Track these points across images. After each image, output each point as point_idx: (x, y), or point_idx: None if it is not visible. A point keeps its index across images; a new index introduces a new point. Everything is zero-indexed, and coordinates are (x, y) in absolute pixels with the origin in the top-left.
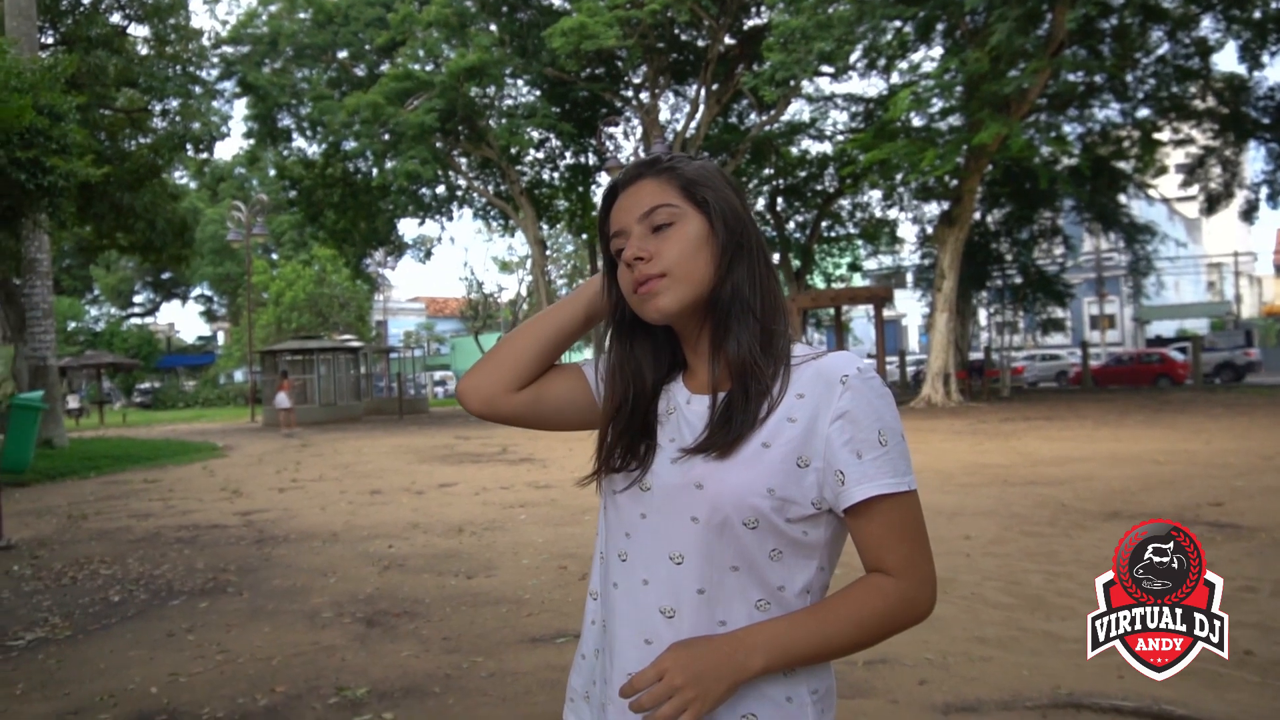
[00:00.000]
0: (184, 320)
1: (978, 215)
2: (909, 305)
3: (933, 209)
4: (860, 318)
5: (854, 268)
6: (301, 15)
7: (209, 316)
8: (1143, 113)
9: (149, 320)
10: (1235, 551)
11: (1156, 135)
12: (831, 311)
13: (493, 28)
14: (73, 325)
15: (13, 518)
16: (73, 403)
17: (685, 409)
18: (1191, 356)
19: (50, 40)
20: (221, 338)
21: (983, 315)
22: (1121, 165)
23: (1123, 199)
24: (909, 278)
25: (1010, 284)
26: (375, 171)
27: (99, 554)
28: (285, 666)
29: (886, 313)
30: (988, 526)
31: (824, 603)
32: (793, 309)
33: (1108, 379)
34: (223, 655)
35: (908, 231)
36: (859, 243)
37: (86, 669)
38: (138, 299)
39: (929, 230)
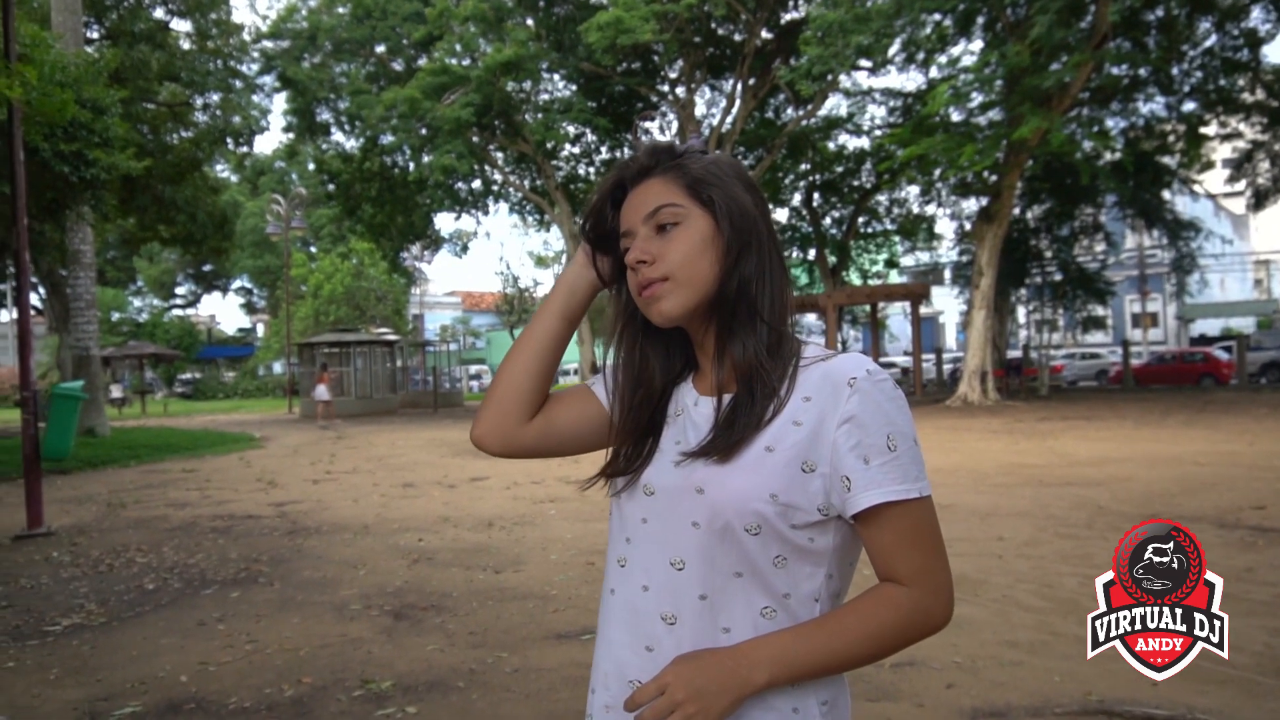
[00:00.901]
0: (224, 312)
1: (1017, 211)
2: (946, 302)
3: (971, 205)
4: (897, 315)
5: (891, 264)
6: (340, 10)
7: (249, 309)
8: (1189, 106)
9: (190, 312)
10: (1277, 557)
11: (1203, 129)
12: (868, 308)
13: (529, 22)
14: (117, 316)
15: (54, 505)
16: (116, 392)
17: (692, 411)
18: (1236, 356)
19: (95, 35)
20: (261, 330)
21: (1021, 313)
22: (1166, 160)
23: (1167, 195)
24: (946, 274)
25: (1050, 281)
26: (412, 166)
27: (136, 542)
28: (312, 658)
29: (923, 310)
30: (1022, 528)
31: (832, 614)
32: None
33: (1149, 378)
34: (251, 645)
35: (945, 228)
36: (896, 239)
37: (119, 656)
38: (179, 291)
39: (967, 226)
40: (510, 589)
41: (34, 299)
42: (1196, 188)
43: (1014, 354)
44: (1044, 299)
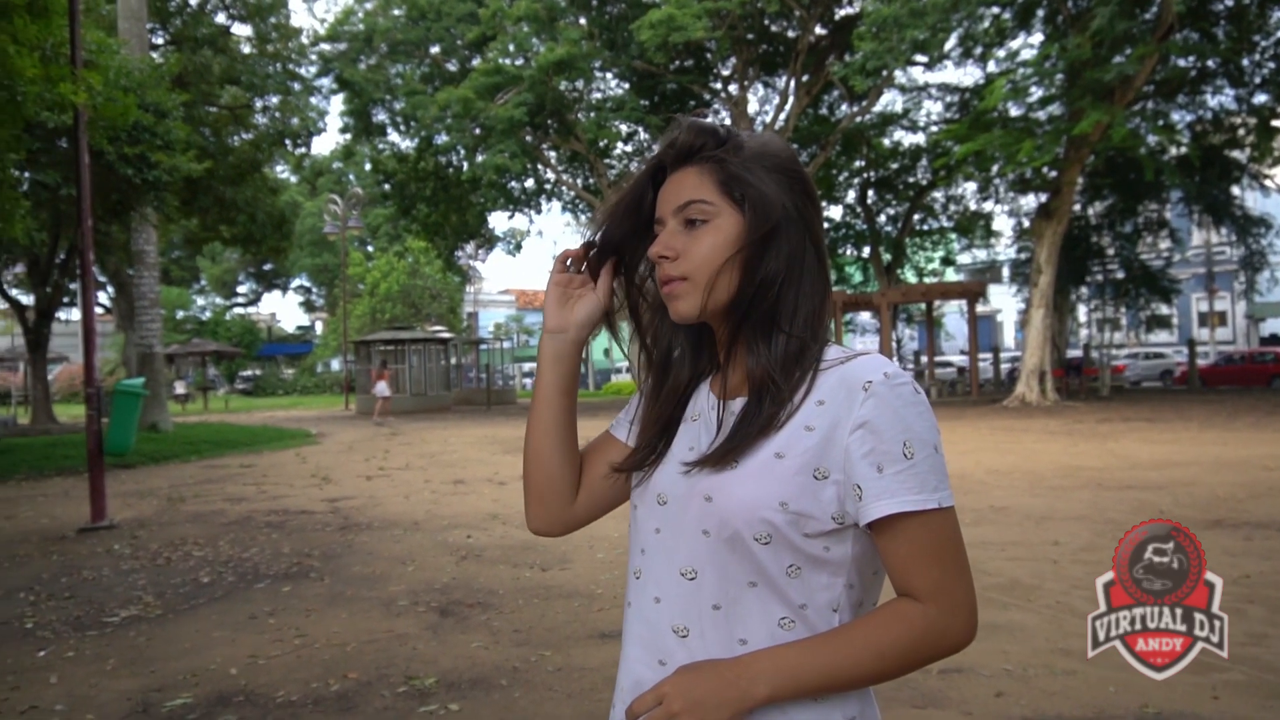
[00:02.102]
0: (284, 310)
1: (1077, 208)
2: (1004, 301)
3: (1030, 201)
4: (953, 313)
5: (947, 262)
6: (396, 12)
7: (308, 306)
8: (1260, 98)
9: (251, 310)
10: None
11: (1274, 122)
12: (923, 307)
13: (582, 21)
14: (181, 314)
15: (117, 498)
16: (180, 388)
17: (708, 414)
18: None
19: (160, 41)
20: (319, 327)
21: (1082, 311)
22: (1235, 154)
23: (1236, 190)
24: (1005, 272)
25: (1112, 279)
26: (466, 165)
27: (193, 536)
28: (359, 653)
29: (980, 308)
30: (1078, 532)
31: (842, 628)
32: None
33: (1216, 379)
34: (300, 639)
35: (1004, 225)
36: (952, 236)
37: (173, 648)
38: (241, 289)
39: (1026, 223)
40: (556, 587)
41: (102, 297)
42: (1267, 182)
43: (1074, 353)
44: (1106, 297)
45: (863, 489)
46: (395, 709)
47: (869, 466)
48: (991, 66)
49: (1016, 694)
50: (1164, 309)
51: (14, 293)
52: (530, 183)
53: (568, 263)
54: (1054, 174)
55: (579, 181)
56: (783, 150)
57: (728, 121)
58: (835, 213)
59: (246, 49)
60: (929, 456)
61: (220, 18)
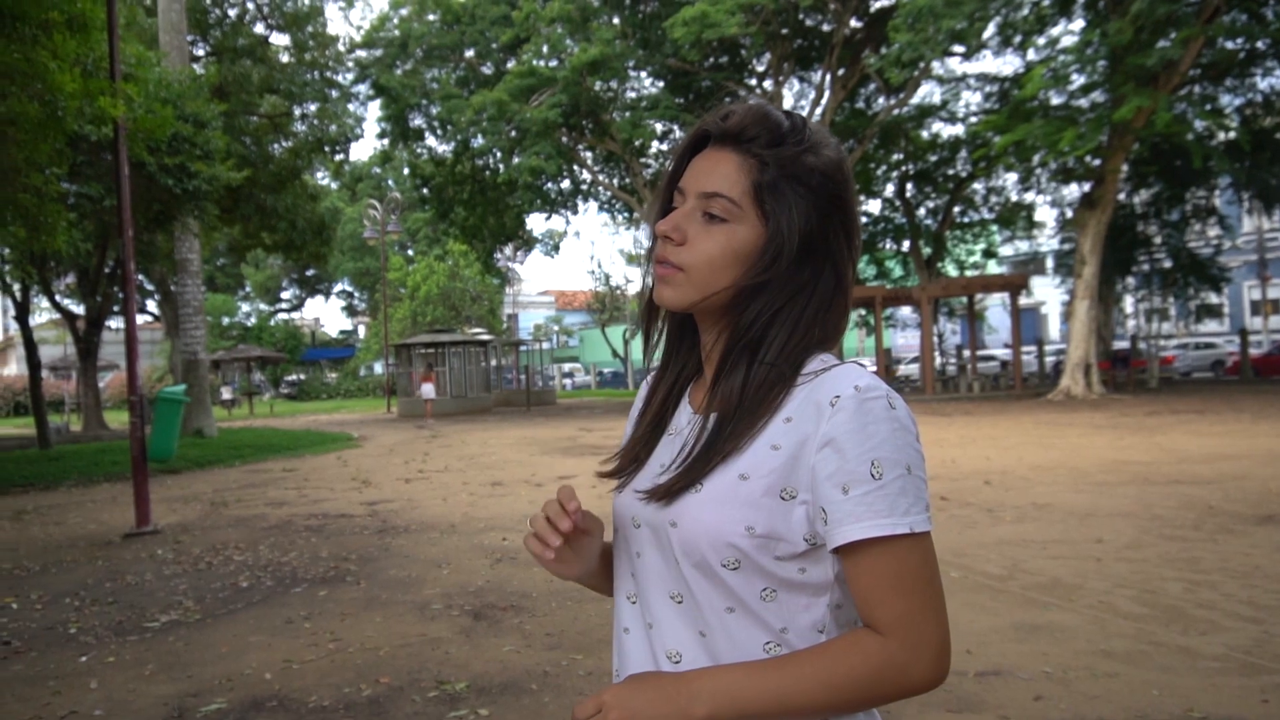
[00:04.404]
0: (327, 315)
1: (1122, 196)
2: (1048, 293)
3: (1073, 191)
4: (996, 306)
5: (989, 254)
6: (430, 17)
7: (350, 311)
8: None
9: (295, 315)
10: None
11: None
12: (964, 300)
13: (615, 21)
14: (227, 320)
15: (163, 503)
16: (226, 394)
17: (685, 431)
18: None
19: (201, 52)
20: (362, 331)
21: (1129, 302)
22: None
23: None
24: (1048, 264)
25: (1159, 268)
26: (502, 168)
27: (234, 540)
28: (391, 657)
29: (1024, 301)
30: (1123, 529)
31: (795, 655)
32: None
33: (1271, 369)
34: (334, 644)
35: (1046, 215)
36: (994, 228)
37: (210, 652)
38: (285, 295)
39: (1068, 214)
40: (589, 589)
41: (151, 305)
42: None
43: (1121, 345)
44: (1153, 287)
45: (828, 512)
46: (425, 714)
47: (833, 488)
48: (1031, 55)
49: (1056, 697)
50: (1214, 298)
51: (65, 303)
52: (566, 183)
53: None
54: (1097, 162)
55: (615, 181)
56: (834, 170)
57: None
58: (874, 207)
59: (285, 58)
60: (899, 477)
61: (259, 28)
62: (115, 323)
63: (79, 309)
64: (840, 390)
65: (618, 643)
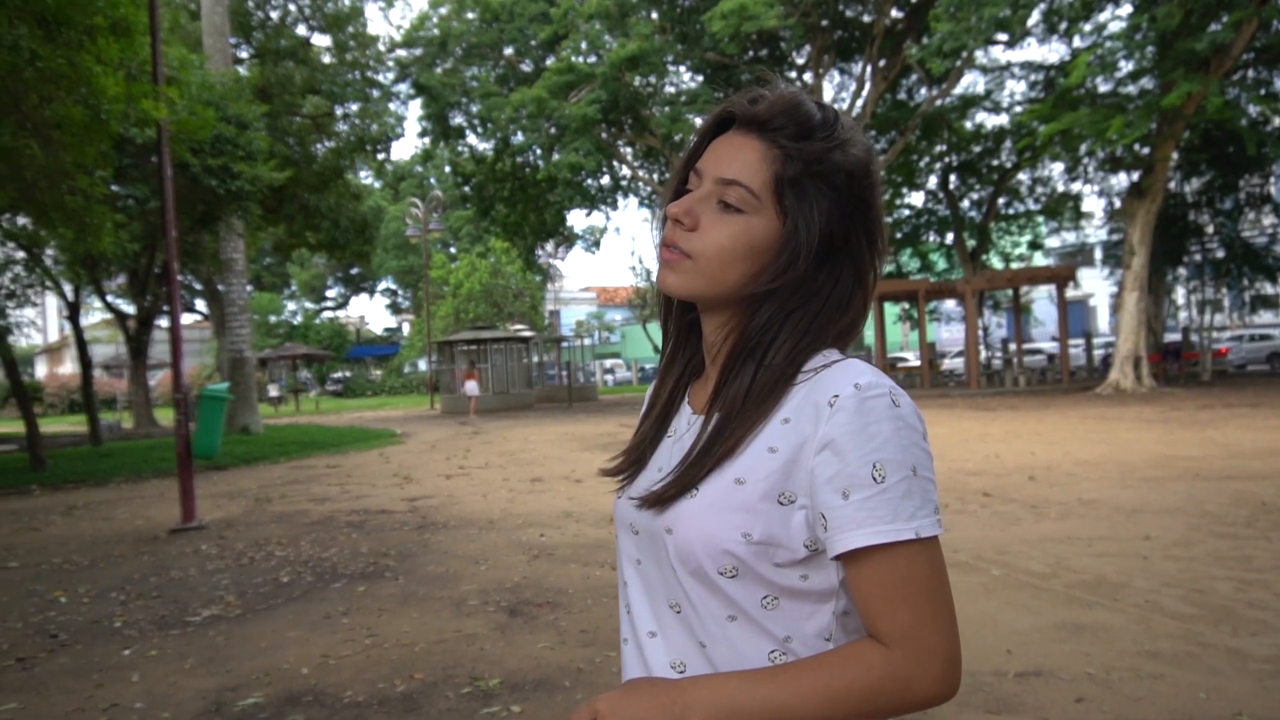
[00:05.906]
0: (372, 313)
1: (1172, 185)
2: (1096, 284)
3: (1121, 180)
4: (1043, 299)
5: (1035, 246)
6: (469, 15)
7: (394, 309)
8: None
9: (340, 313)
10: None
11: None
12: (1010, 293)
13: (653, 16)
14: (273, 319)
15: (208, 499)
16: (273, 391)
17: (685, 435)
18: None
19: (245, 54)
20: (405, 329)
21: (1180, 293)
22: None
23: None
24: (1096, 255)
25: (1211, 259)
26: (542, 165)
27: (277, 536)
28: (426, 653)
29: (1071, 293)
30: (1172, 526)
31: (793, 664)
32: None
33: None
34: (371, 640)
35: (1094, 205)
36: (1040, 220)
37: (249, 647)
38: (330, 293)
39: (1117, 204)
40: None
41: (200, 304)
42: None
43: (1173, 337)
44: (1205, 278)
45: (828, 518)
46: (458, 710)
47: (833, 492)
48: (1077, 42)
49: (1099, 699)
50: (1269, 288)
51: (117, 303)
52: (606, 179)
53: None
54: (1146, 151)
55: (655, 176)
56: (861, 171)
57: None
58: (917, 199)
59: (326, 59)
60: (904, 480)
61: (300, 29)
62: (165, 322)
63: (130, 309)
64: (839, 389)
65: (623, 653)
